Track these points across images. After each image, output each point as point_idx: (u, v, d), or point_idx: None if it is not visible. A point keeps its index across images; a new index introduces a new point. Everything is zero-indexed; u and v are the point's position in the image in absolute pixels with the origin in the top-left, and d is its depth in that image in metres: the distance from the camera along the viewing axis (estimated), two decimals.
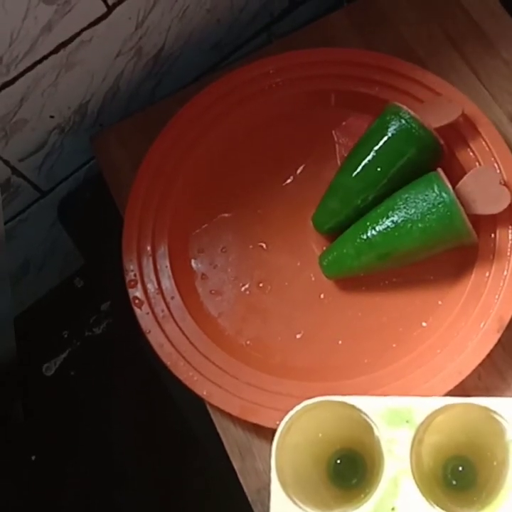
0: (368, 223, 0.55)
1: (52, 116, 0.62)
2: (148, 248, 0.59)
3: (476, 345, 0.53)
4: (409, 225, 0.53)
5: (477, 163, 0.58)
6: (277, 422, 0.49)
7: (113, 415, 0.95)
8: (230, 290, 0.59)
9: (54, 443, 0.95)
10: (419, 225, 0.53)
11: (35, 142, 0.64)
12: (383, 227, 0.54)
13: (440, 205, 0.52)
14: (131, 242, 0.59)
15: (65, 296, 0.95)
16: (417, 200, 0.53)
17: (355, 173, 0.57)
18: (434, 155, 0.57)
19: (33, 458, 0.94)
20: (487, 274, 0.55)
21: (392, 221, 0.54)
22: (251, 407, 0.53)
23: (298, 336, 0.57)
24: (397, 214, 0.54)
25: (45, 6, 0.51)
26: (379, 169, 0.56)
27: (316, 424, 0.48)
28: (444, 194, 0.52)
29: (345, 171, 0.58)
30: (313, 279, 0.59)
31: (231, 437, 0.55)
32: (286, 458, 0.45)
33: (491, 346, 0.52)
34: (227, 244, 0.61)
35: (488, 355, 0.53)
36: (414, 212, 0.53)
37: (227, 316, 0.58)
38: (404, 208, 0.54)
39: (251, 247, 0.60)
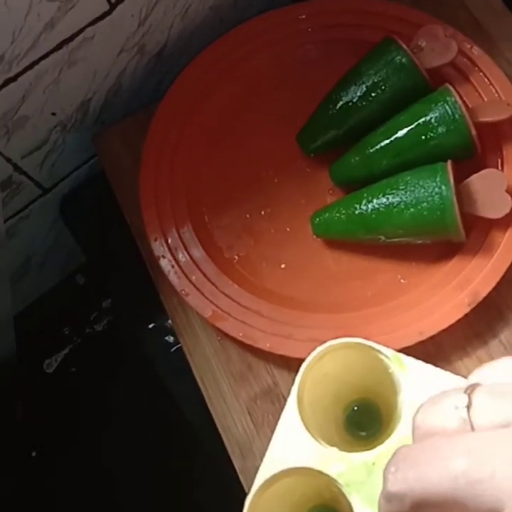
0: (365, 195, 0.55)
1: (54, 114, 0.62)
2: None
3: (444, 312, 0.53)
4: (402, 207, 0.53)
5: (500, 166, 0.57)
6: (240, 334, 0.54)
7: (113, 412, 0.95)
8: (234, 209, 0.61)
9: (54, 439, 0.95)
10: (411, 209, 0.53)
11: (37, 139, 0.64)
12: (378, 202, 0.54)
13: (436, 196, 0.52)
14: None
15: (67, 293, 0.95)
16: (417, 186, 0.53)
17: (386, 141, 0.56)
18: (465, 149, 0.55)
19: (34, 454, 0.95)
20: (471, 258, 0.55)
21: (387, 199, 0.54)
22: (221, 315, 0.55)
23: (282, 266, 0.59)
24: (394, 193, 0.54)
25: (48, 3, 0.51)
26: (408, 145, 0.56)
27: (342, 365, 0.47)
28: (443, 186, 0.52)
29: (378, 134, 0.57)
30: None
31: (232, 437, 0.55)
32: (307, 390, 0.44)
33: (458, 316, 0.53)
34: (241, 168, 0.63)
35: (490, 355, 0.54)
36: (410, 197, 0.53)
37: (224, 230, 0.61)
38: (403, 189, 0.53)
39: (263, 174, 0.62)
